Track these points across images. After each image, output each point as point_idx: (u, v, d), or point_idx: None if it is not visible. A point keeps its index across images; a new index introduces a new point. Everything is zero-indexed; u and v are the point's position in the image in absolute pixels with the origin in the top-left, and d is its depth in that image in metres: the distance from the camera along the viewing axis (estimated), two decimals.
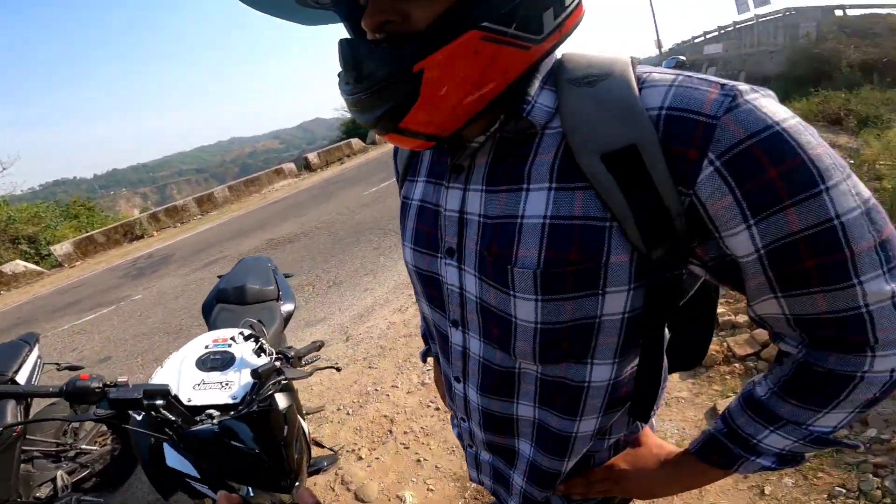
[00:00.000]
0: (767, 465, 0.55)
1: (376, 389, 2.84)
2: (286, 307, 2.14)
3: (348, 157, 14.06)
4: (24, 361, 2.02)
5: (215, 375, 1.29)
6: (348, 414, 2.68)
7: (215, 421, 1.15)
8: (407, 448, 2.33)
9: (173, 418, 1.10)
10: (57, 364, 2.03)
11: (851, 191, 0.42)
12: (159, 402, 1.06)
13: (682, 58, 6.91)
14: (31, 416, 2.00)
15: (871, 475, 1.64)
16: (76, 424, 2.28)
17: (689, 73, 0.48)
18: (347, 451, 2.38)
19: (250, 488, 1.21)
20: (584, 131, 0.48)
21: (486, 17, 0.45)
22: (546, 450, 0.65)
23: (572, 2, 0.50)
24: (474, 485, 1.76)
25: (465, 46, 0.45)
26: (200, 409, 1.19)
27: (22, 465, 1.90)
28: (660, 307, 0.52)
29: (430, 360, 0.97)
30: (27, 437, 2.00)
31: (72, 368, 1.93)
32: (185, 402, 1.18)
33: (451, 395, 0.73)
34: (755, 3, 16.53)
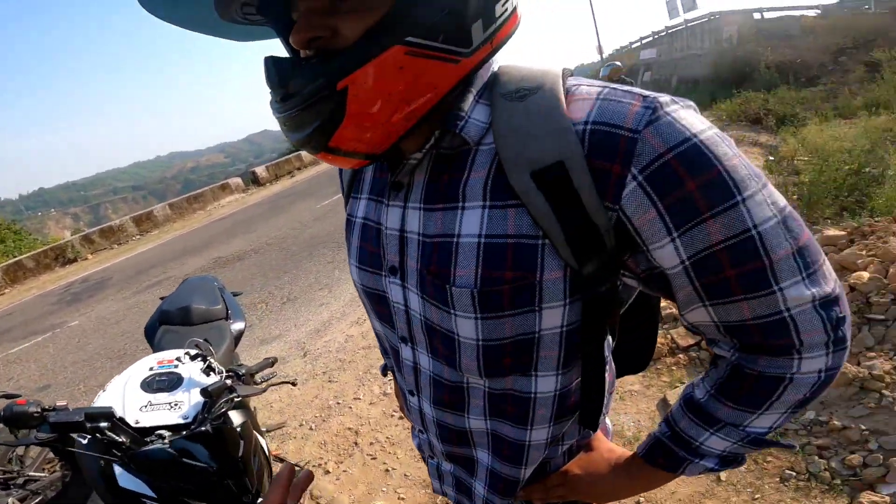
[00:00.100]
0: (710, 467, 0.57)
1: (338, 402, 2.79)
2: (236, 325, 2.08)
3: (299, 169, 13.73)
4: None
5: (163, 396, 1.24)
6: (311, 429, 2.61)
7: (167, 441, 1.11)
8: (374, 459, 2.30)
9: (121, 440, 1.07)
10: None
11: (767, 200, 0.44)
12: (103, 424, 1.03)
13: (618, 63, 7.26)
14: None
15: (816, 457, 1.75)
16: (21, 451, 2.20)
17: (615, 86, 0.48)
18: (314, 466, 2.32)
19: None
20: (515, 148, 0.48)
21: (412, 31, 0.44)
22: (503, 458, 0.65)
23: (504, 12, 0.49)
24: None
25: (390, 62, 0.44)
26: (150, 431, 1.15)
27: None
28: (596, 319, 0.53)
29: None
30: None
31: (8, 396, 1.82)
32: (133, 424, 1.14)
33: (408, 408, 0.73)
34: (684, 7, 17.53)
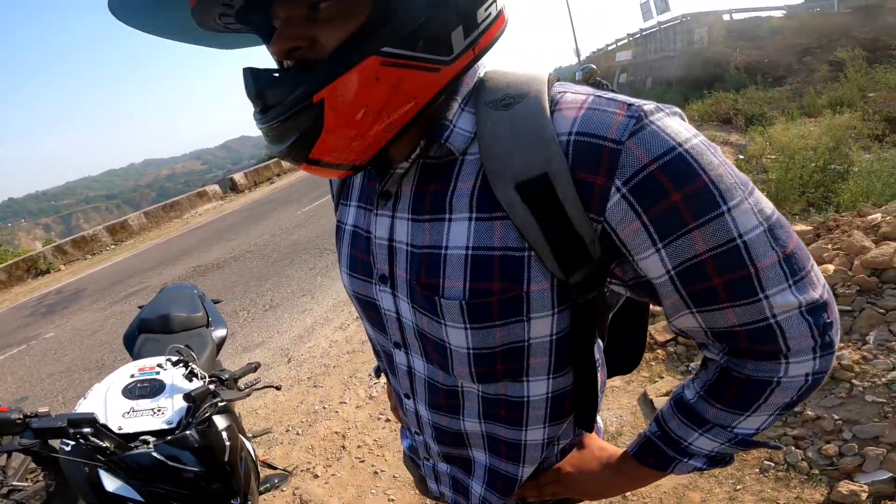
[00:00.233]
0: (699, 466, 0.57)
1: (324, 407, 2.78)
2: (218, 333, 2.06)
3: (278, 176, 13.56)
4: None
5: (145, 403, 1.24)
6: (298, 434, 2.60)
7: (151, 446, 1.11)
8: (362, 461, 2.30)
9: (105, 445, 1.07)
10: None
11: (753, 209, 0.44)
12: (86, 429, 1.03)
13: (593, 66, 7.39)
14: None
15: (793, 448, 1.80)
16: (3, 461, 2.16)
17: (601, 93, 0.48)
18: (302, 471, 2.32)
19: None
20: (500, 160, 0.47)
21: (388, 41, 0.43)
22: (501, 456, 0.66)
23: (487, 17, 0.48)
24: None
25: (365, 73, 0.43)
26: (134, 437, 1.15)
27: None
28: (585, 326, 0.53)
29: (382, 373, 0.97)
30: None
31: None
32: (116, 430, 1.14)
33: (404, 410, 0.73)
34: (657, 9, 17.89)
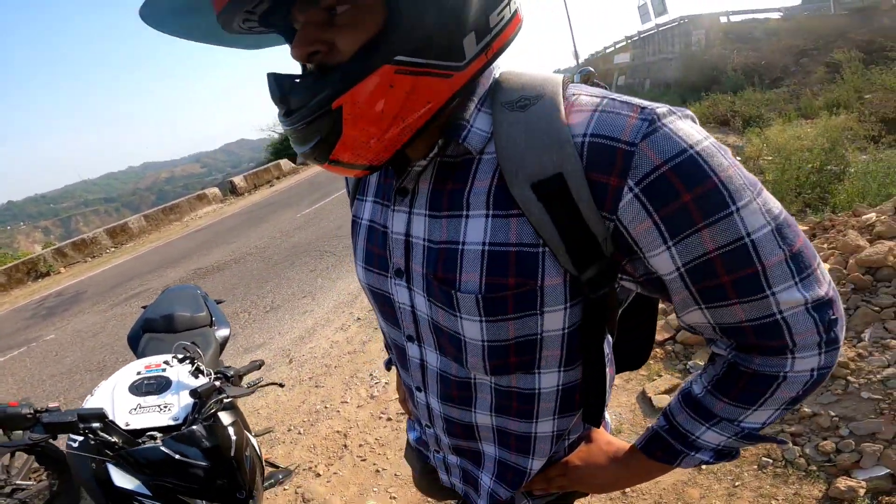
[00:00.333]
0: (705, 460, 0.59)
1: (326, 407, 2.79)
2: (221, 332, 2.09)
3: (278, 178, 13.60)
4: None
5: (152, 399, 1.26)
6: (300, 433, 2.62)
7: (159, 441, 1.13)
8: (364, 460, 2.32)
9: (113, 440, 1.08)
10: None
11: (762, 209, 0.45)
12: (96, 424, 1.04)
13: (591, 69, 7.43)
14: None
15: (791, 444, 1.81)
16: (6, 460, 2.15)
17: (614, 96, 0.49)
18: (304, 469, 2.33)
19: (205, 502, 1.18)
20: (516, 159, 0.49)
21: (401, 49, 0.44)
22: (511, 449, 0.68)
23: (500, 21, 0.49)
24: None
25: (380, 81, 0.45)
26: (140, 433, 1.17)
27: None
28: (596, 321, 0.55)
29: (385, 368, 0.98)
30: None
31: None
32: (123, 427, 1.16)
33: (415, 403, 0.74)
34: (655, 12, 17.95)
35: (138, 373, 1.35)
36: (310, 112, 0.47)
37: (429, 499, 1.69)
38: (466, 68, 0.48)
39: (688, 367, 2.42)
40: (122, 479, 1.13)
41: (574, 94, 0.51)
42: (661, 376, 2.39)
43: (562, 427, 0.65)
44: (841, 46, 10.73)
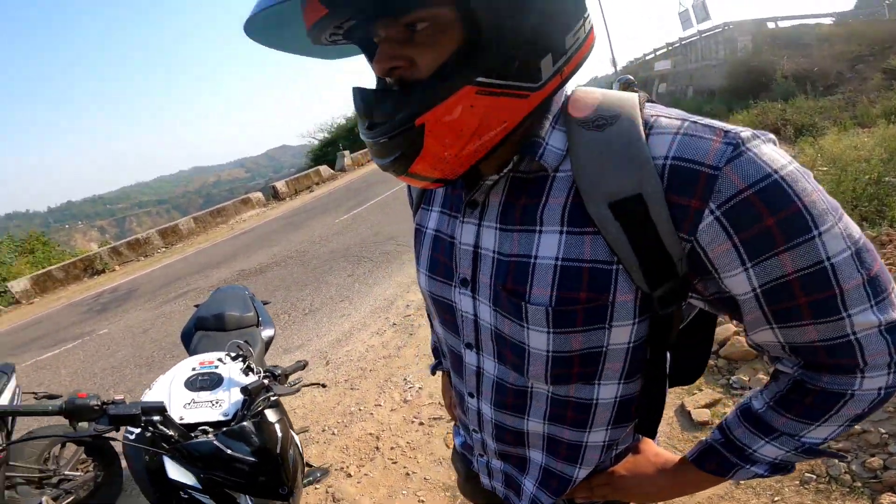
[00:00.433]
0: (760, 473, 0.59)
1: (360, 409, 2.86)
2: (266, 332, 2.18)
3: (317, 184, 14.00)
4: (2, 389, 2.00)
5: (205, 395, 1.33)
6: (334, 434, 2.69)
7: (212, 435, 1.19)
8: (395, 463, 2.36)
9: (170, 433, 1.14)
10: (34, 393, 2.02)
11: (843, 233, 0.45)
12: (156, 417, 1.10)
13: (630, 77, 7.32)
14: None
15: (836, 460, 1.73)
16: (56, 451, 2.27)
17: (695, 119, 0.50)
18: (336, 469, 2.39)
19: (249, 497, 1.24)
20: (594, 178, 0.50)
21: (482, 69, 0.46)
22: (559, 457, 0.68)
23: (575, 43, 0.50)
24: (462, 497, 1.82)
25: (462, 101, 0.47)
26: (193, 427, 1.23)
27: (6, 492, 1.87)
28: (660, 336, 0.56)
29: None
30: (9, 463, 1.97)
31: (49, 397, 1.93)
32: (178, 420, 1.22)
33: (464, 409, 0.76)
34: (697, 18, 17.49)
35: (193, 369, 1.43)
36: (393, 128, 0.49)
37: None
38: (542, 88, 0.50)
39: (731, 381, 2.34)
40: (176, 472, 1.19)
41: (653, 116, 0.51)
42: (701, 390, 2.33)
43: (613, 437, 0.66)
44: None
